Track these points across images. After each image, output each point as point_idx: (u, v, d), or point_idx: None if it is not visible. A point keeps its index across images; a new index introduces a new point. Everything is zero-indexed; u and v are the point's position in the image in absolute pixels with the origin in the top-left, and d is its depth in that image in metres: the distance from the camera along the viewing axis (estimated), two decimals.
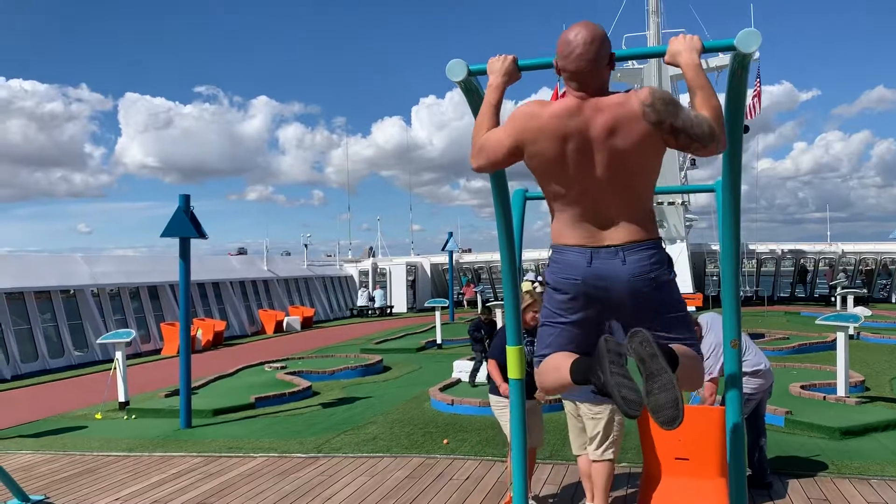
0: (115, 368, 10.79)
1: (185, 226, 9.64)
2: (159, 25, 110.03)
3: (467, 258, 35.00)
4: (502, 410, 5.42)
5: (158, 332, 19.68)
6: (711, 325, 5.83)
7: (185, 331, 9.96)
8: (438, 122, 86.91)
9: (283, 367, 14.02)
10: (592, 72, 2.55)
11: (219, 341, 20.31)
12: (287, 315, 24.97)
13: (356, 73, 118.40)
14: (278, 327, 23.96)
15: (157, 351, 19.09)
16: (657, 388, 2.35)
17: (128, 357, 11.50)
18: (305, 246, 30.12)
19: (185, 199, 9.73)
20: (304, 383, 11.78)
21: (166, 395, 11.29)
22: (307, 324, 25.47)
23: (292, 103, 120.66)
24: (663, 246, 2.67)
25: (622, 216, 2.59)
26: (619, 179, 2.56)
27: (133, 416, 10.27)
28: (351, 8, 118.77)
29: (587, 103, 2.55)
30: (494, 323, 12.31)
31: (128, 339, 11.08)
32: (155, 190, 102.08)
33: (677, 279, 2.75)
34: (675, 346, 2.56)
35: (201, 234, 9.83)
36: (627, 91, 2.58)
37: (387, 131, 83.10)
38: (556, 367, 2.61)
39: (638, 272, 2.54)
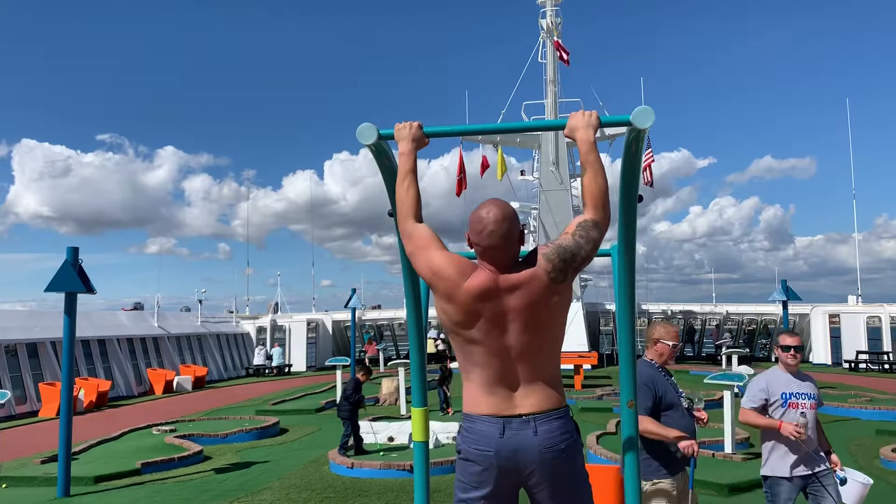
0: None
1: (72, 280, 9.24)
2: (65, 70, 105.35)
3: (370, 315, 34.69)
4: None
5: (36, 393, 18.33)
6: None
7: (66, 390, 9.36)
8: (352, 177, 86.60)
9: (172, 430, 13.32)
10: (504, 248, 2.65)
11: (102, 402, 19.14)
12: (178, 374, 23.89)
13: (268, 126, 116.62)
14: (168, 387, 22.84)
15: (34, 413, 17.72)
16: None
17: (1, 420, 10.65)
18: (200, 301, 29.16)
19: (74, 251, 9.40)
20: (195, 447, 11.25)
21: (42, 462, 10.51)
22: (199, 384, 24.42)
23: (201, 154, 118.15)
24: (570, 413, 2.73)
25: (533, 381, 2.63)
26: (532, 348, 2.62)
27: (4, 486, 9.47)
28: (263, 61, 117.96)
29: (500, 280, 2.62)
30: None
31: (1, 401, 10.30)
32: (47, 241, 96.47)
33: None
34: None
35: (89, 289, 9.47)
36: (526, 259, 2.66)
37: (298, 185, 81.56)
38: None
39: (549, 444, 2.58)
